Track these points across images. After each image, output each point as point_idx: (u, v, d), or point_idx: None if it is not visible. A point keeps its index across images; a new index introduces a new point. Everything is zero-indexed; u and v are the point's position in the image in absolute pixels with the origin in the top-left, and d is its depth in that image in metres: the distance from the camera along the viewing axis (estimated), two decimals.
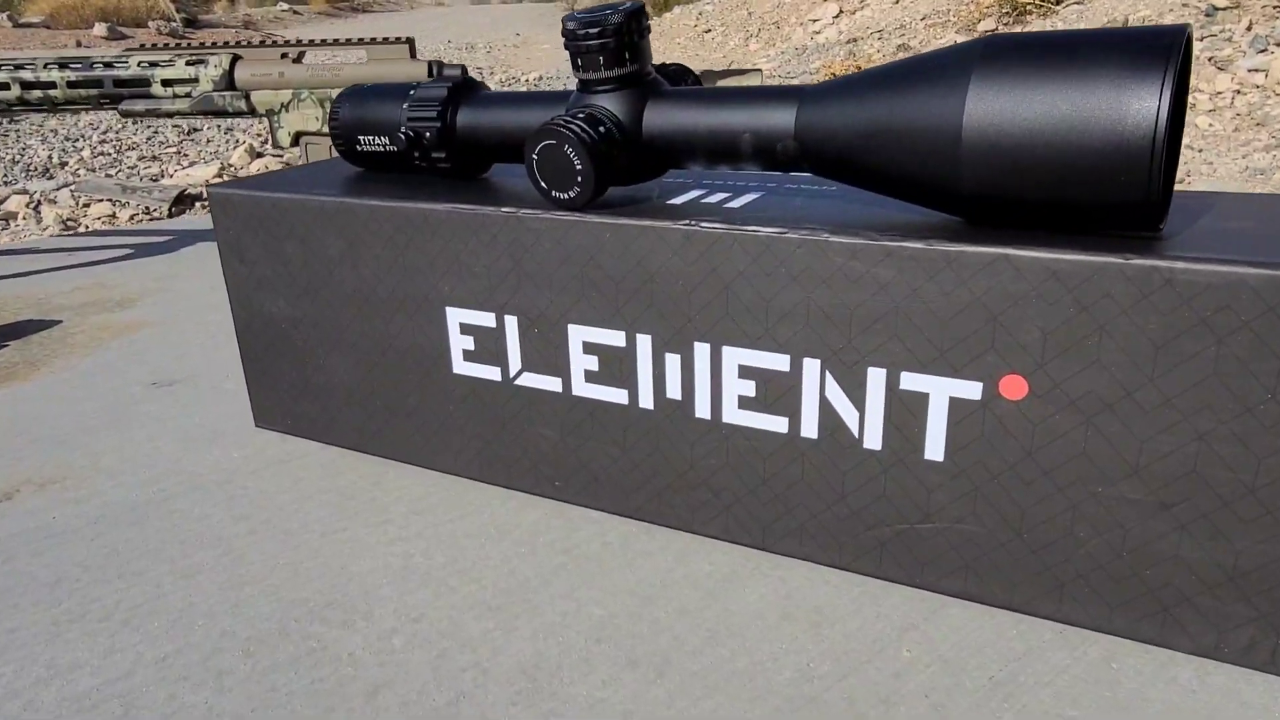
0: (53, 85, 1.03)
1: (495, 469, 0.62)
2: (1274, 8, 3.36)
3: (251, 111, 1.03)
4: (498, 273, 0.56)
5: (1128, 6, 3.90)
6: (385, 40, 1.00)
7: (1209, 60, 3.12)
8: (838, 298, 0.46)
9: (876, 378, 0.46)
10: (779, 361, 0.49)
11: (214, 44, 1.04)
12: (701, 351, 0.51)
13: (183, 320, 1.01)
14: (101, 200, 2.22)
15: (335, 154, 1.04)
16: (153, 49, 1.03)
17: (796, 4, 7.56)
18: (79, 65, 1.03)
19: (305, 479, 0.65)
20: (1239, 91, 2.80)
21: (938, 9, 4.89)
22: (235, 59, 1.03)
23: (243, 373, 0.72)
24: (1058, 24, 4.06)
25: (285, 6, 15.24)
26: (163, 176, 2.67)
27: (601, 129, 0.51)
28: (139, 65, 1.02)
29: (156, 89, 1.03)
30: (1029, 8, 4.45)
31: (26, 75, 1.03)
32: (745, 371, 0.50)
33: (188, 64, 1.02)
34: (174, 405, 0.79)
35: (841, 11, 6.42)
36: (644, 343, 0.53)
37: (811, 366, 0.48)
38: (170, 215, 2.09)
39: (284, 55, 1.02)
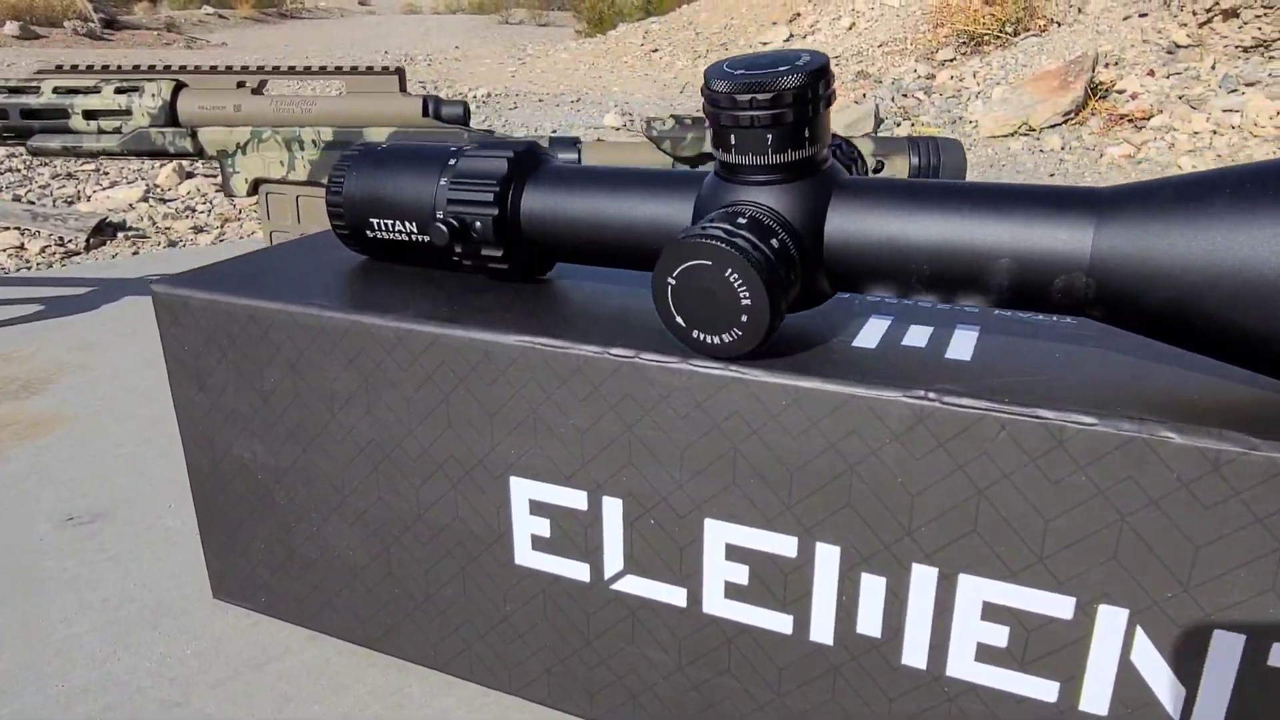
0: None
1: (571, 695, 0.44)
2: (1236, 47, 3.36)
3: (199, 153, 0.83)
4: (598, 438, 0.38)
5: (1086, 41, 3.89)
6: (370, 70, 0.81)
7: (1180, 98, 3.09)
8: (1189, 526, 0.30)
9: (1226, 645, 0.30)
10: (1057, 605, 0.32)
11: (151, 68, 0.84)
12: (923, 577, 0.34)
13: (108, 415, 0.80)
14: (7, 228, 1.96)
15: (301, 204, 0.85)
16: (72, 71, 0.83)
17: (744, 26, 7.52)
18: None
19: (295, 697, 0.46)
20: (1215, 132, 2.77)
21: (895, 37, 4.85)
22: (178, 87, 0.83)
23: (195, 517, 0.52)
24: (1017, 55, 4.03)
25: (210, 10, 14.68)
26: (79, 199, 2.41)
27: (776, 243, 0.34)
28: (54, 92, 0.81)
29: (77, 122, 0.82)
30: (986, 38, 4.43)
31: None
32: (997, 613, 0.33)
33: (117, 92, 0.82)
34: (97, 558, 0.59)
35: (792, 35, 6.37)
36: (827, 555, 0.36)
37: (1111, 618, 0.32)
38: (88, 248, 1.84)
39: (241, 84, 0.83)
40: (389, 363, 0.42)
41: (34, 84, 0.82)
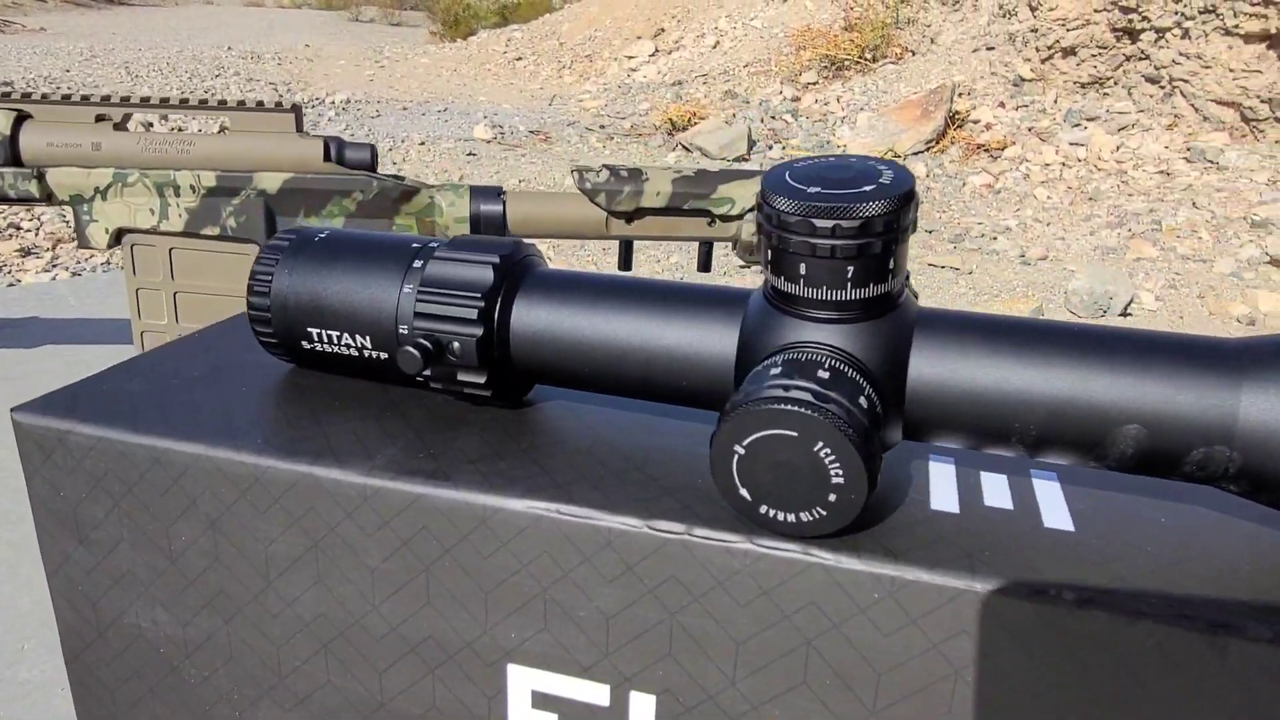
0: None
1: None
2: (1075, 83, 3.60)
3: (46, 198, 0.70)
4: (629, 625, 0.31)
5: (940, 71, 4.08)
6: (260, 105, 0.71)
7: (1029, 130, 3.28)
8: None
9: None
10: None
11: None
12: None
13: None
14: None
15: (175, 258, 0.73)
16: None
17: (609, 38, 7.51)
18: None
19: None
20: (1065, 164, 2.94)
21: (759, 58, 4.94)
22: (20, 118, 0.69)
23: (66, 673, 0.41)
24: (878, 81, 4.18)
25: None
26: None
27: (864, 401, 0.28)
28: None
29: None
30: (847, 63, 4.58)
31: None
32: None
33: None
34: None
35: (657, 50, 6.41)
36: None
37: None
38: None
39: (100, 118, 0.70)
40: (349, 526, 0.33)
41: None
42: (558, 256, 2.32)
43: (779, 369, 0.29)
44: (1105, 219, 2.50)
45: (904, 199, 0.29)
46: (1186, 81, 3.16)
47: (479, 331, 0.35)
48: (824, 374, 0.28)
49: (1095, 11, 3.51)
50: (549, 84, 6.55)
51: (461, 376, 0.36)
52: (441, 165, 3.16)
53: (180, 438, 0.35)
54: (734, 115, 3.98)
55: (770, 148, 3.42)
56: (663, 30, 6.85)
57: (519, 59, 7.65)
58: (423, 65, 7.62)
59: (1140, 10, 3.32)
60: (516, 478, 0.33)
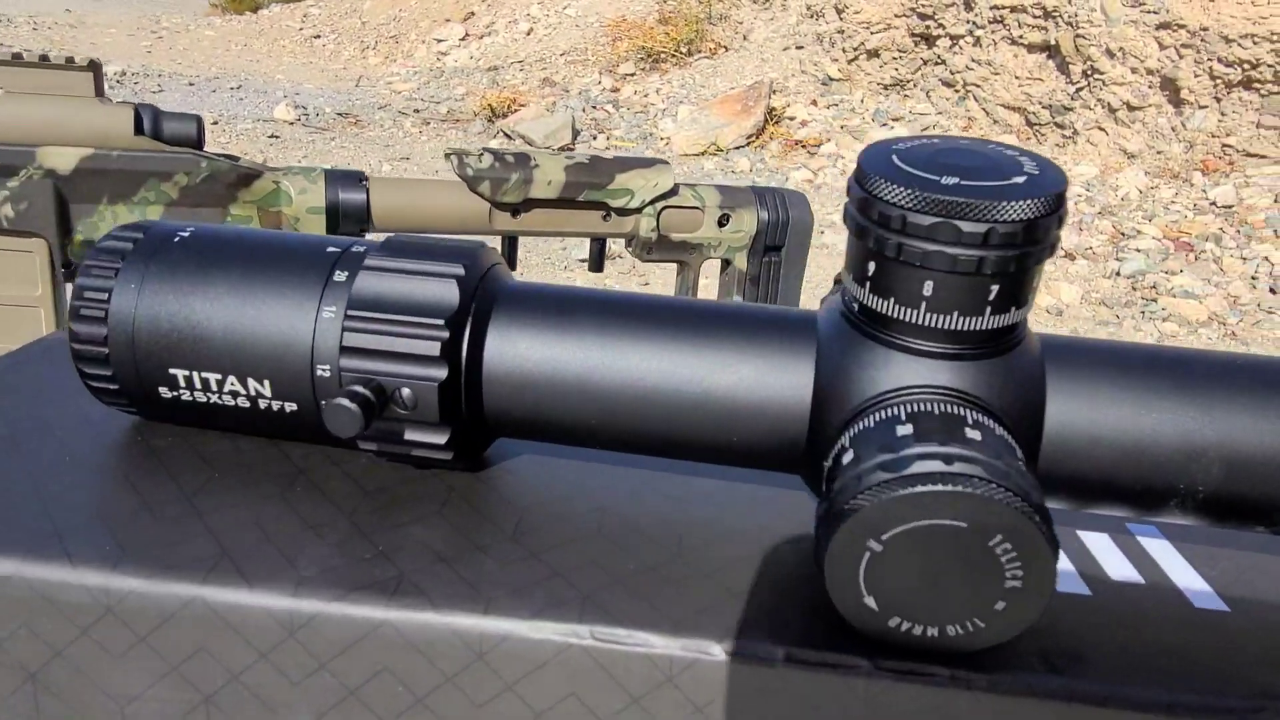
0: None
1: None
2: (878, 84, 3.77)
3: None
4: None
5: (754, 67, 4.17)
6: (45, 60, 0.55)
7: (842, 128, 3.40)
8: None
9: None
10: None
11: None
12: None
13: None
14: None
15: None
16: None
17: (415, 19, 7.19)
18: None
19: None
20: None
21: (575, 47, 4.86)
22: None
23: None
24: (694, 75, 4.22)
25: None
26: None
27: (1021, 464, 0.21)
28: None
29: None
30: (663, 56, 4.59)
31: None
32: None
33: None
34: None
35: (468, 34, 6.19)
36: None
37: None
38: None
39: None
40: (263, 672, 0.22)
41: None
42: None
43: (908, 427, 0.21)
44: None
45: (1061, 197, 0.22)
46: (978, 86, 3.38)
47: (441, 373, 0.25)
48: (972, 433, 0.21)
49: (895, 17, 3.69)
50: (352, 64, 6.18)
51: (412, 435, 0.26)
52: (240, 148, 2.86)
53: None
54: (554, 103, 3.88)
55: (594, 137, 3.36)
56: (473, 14, 6.63)
57: (317, 36, 7.17)
58: (208, 38, 6.99)
59: (936, 18, 3.52)
60: (520, 584, 0.23)
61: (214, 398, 0.27)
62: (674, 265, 0.75)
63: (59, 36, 6.33)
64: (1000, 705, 0.21)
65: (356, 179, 0.63)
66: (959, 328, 0.22)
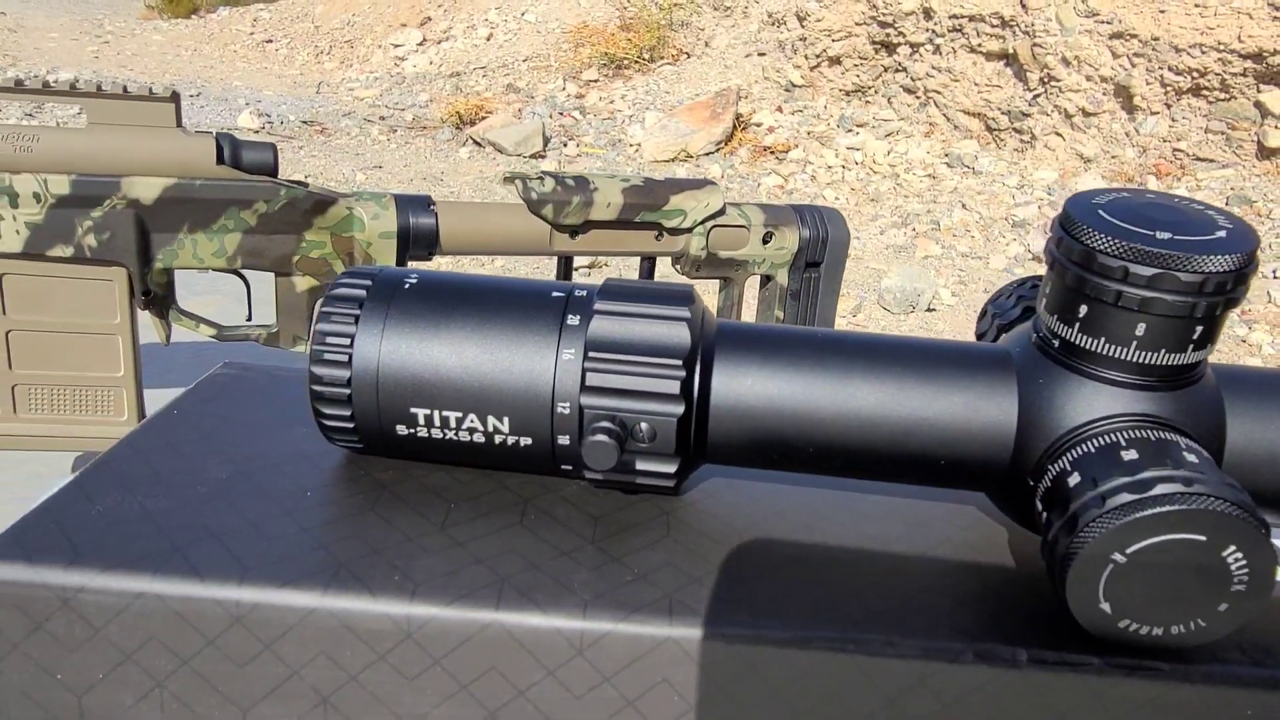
0: None
1: None
2: (840, 90, 3.84)
3: None
4: None
5: (717, 74, 4.21)
6: (127, 93, 0.56)
7: (809, 135, 3.46)
8: None
9: None
10: None
11: None
12: None
13: None
14: None
15: (6, 285, 0.57)
16: None
17: (370, 24, 7.12)
18: None
19: None
20: (845, 167, 3.13)
21: (538, 53, 4.86)
22: None
23: None
24: (659, 81, 4.25)
25: None
26: None
27: (1237, 483, 0.24)
28: None
29: None
30: (626, 62, 4.62)
31: None
32: None
33: None
34: None
35: (426, 39, 6.15)
36: None
37: None
38: None
39: None
40: (550, 686, 0.24)
41: None
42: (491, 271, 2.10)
43: (1133, 453, 0.24)
44: (890, 219, 2.69)
45: (1256, 251, 0.25)
46: (939, 93, 3.47)
47: (680, 409, 0.27)
48: (1190, 456, 0.24)
49: (856, 25, 3.76)
50: (308, 70, 6.10)
51: (644, 465, 0.28)
52: None
53: (272, 582, 0.25)
54: (520, 110, 3.88)
55: (565, 144, 3.37)
56: (429, 19, 6.58)
57: (269, 41, 7.06)
58: (156, 43, 6.84)
59: (896, 26, 3.60)
60: (781, 596, 0.26)
61: (450, 434, 0.29)
62: (717, 281, 0.78)
63: (0, 40, 6.15)
64: (1213, 695, 0.24)
65: (425, 204, 0.65)
66: (1164, 363, 0.25)
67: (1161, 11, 2.78)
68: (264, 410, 0.33)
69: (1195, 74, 2.81)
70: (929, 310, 2.04)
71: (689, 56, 4.60)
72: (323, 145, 3.21)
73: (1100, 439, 0.25)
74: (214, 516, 0.27)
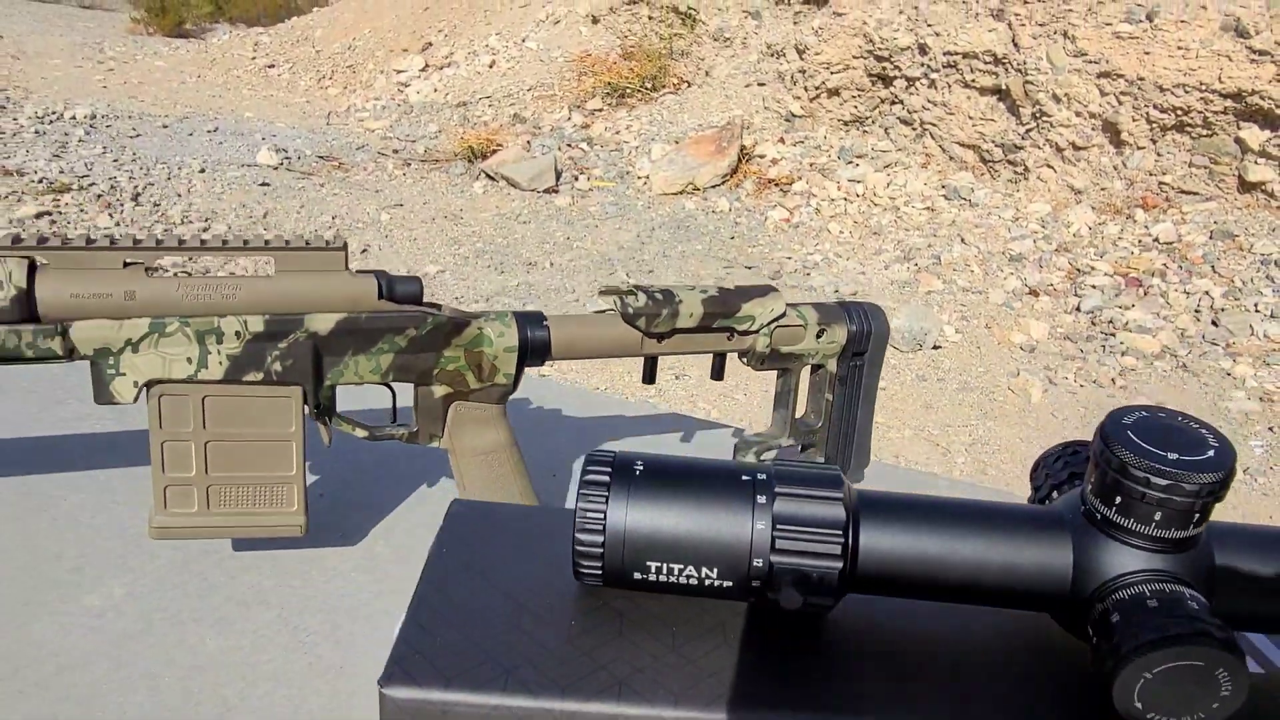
0: None
1: None
2: (839, 120, 3.98)
3: (68, 354, 0.63)
4: None
5: (718, 103, 4.35)
6: (308, 244, 0.67)
7: (811, 166, 3.59)
8: None
9: None
10: None
11: None
12: None
13: None
14: None
15: (209, 406, 0.68)
16: None
17: (371, 49, 7.24)
18: None
19: None
20: (847, 199, 3.26)
21: (543, 82, 4.99)
22: (33, 266, 0.61)
23: None
24: (662, 111, 4.38)
25: None
26: None
27: (1221, 623, 0.36)
28: None
29: None
30: (629, 92, 4.75)
31: None
32: None
33: None
34: None
35: (428, 65, 6.27)
36: None
37: None
38: None
39: (131, 264, 0.64)
40: None
41: None
42: (586, 370, 2.12)
43: (1155, 601, 0.36)
44: (893, 253, 2.82)
45: (1234, 464, 0.37)
46: (935, 125, 3.61)
47: (839, 565, 0.39)
48: (1192, 605, 0.36)
49: (854, 58, 3.90)
50: (311, 96, 6.21)
51: (814, 600, 0.40)
52: (236, 199, 2.92)
53: (579, 696, 0.36)
54: (529, 142, 4.01)
55: (576, 178, 3.49)
56: (430, 44, 6.71)
57: (271, 66, 7.17)
58: (159, 69, 6.93)
59: (892, 60, 3.75)
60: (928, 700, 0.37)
61: (672, 579, 0.40)
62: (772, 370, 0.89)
63: (5, 70, 6.24)
64: None
65: (539, 320, 0.76)
66: (1174, 538, 0.37)
67: (1146, 53, 2.93)
68: (507, 545, 0.45)
69: (1179, 112, 2.95)
70: (935, 348, 2.16)
71: (690, 85, 4.73)
72: (342, 182, 3.32)
73: (1131, 589, 0.37)
74: (520, 642, 0.38)
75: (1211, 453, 0.37)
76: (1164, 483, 0.36)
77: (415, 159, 3.80)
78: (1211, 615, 0.36)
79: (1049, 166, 3.25)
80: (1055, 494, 0.44)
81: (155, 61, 7.30)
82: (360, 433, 0.74)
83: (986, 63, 3.40)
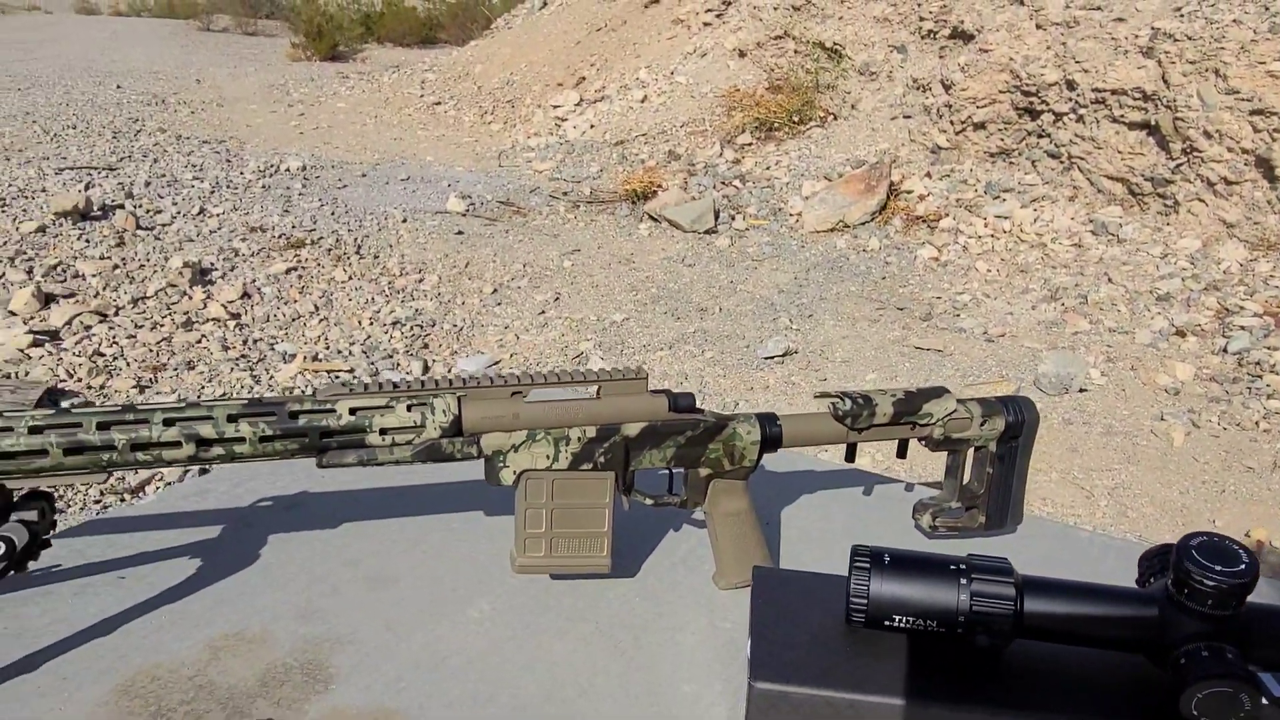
0: (240, 440, 0.88)
1: None
2: (985, 153, 4.11)
3: (479, 455, 0.96)
4: None
5: (865, 136, 4.54)
6: (623, 376, 0.99)
7: (957, 202, 3.75)
8: None
9: None
10: None
11: (423, 382, 0.95)
12: None
13: None
14: None
15: (555, 485, 1.00)
16: (359, 390, 0.92)
17: (528, 83, 7.75)
18: (271, 416, 0.89)
19: None
20: (994, 236, 3.41)
21: (695, 117, 5.31)
22: (460, 400, 0.95)
23: None
24: (810, 145, 4.61)
25: None
26: None
27: (1247, 668, 0.61)
28: (351, 413, 0.91)
29: (373, 438, 0.92)
30: (776, 125, 5.00)
31: (205, 431, 0.87)
32: None
33: (409, 409, 0.92)
34: None
35: (583, 100, 6.69)
36: None
37: None
38: None
39: (515, 394, 0.97)
40: None
41: (329, 406, 0.90)
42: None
43: (1207, 653, 0.62)
44: (1040, 292, 2.97)
45: (1258, 570, 0.62)
46: (1083, 159, 3.70)
47: (1010, 621, 0.66)
48: (1229, 656, 0.61)
49: (1000, 93, 4.03)
50: (476, 133, 6.74)
51: (994, 641, 0.67)
52: (439, 249, 3.36)
53: (900, 693, 0.65)
54: (687, 181, 4.32)
55: (733, 218, 3.78)
56: (584, 79, 7.15)
57: (438, 103, 7.79)
58: (341, 111, 7.65)
59: (1040, 95, 3.85)
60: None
61: (907, 625, 0.68)
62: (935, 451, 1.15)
63: (215, 119, 7.05)
64: None
65: (774, 420, 1.05)
66: (1220, 615, 0.62)
67: None
68: (798, 596, 0.74)
69: None
70: (1081, 391, 2.32)
71: (836, 119, 4.94)
72: (524, 228, 3.72)
73: (1193, 644, 0.62)
74: (849, 652, 0.67)
75: (1243, 566, 0.62)
76: (1211, 584, 0.62)
77: (582, 200, 4.18)
78: (1243, 661, 0.61)
79: (1200, 200, 3.30)
80: (1152, 579, 0.69)
81: (336, 103, 8.05)
82: (648, 501, 1.05)
83: (1135, 99, 3.47)
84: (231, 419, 0.89)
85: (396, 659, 0.94)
